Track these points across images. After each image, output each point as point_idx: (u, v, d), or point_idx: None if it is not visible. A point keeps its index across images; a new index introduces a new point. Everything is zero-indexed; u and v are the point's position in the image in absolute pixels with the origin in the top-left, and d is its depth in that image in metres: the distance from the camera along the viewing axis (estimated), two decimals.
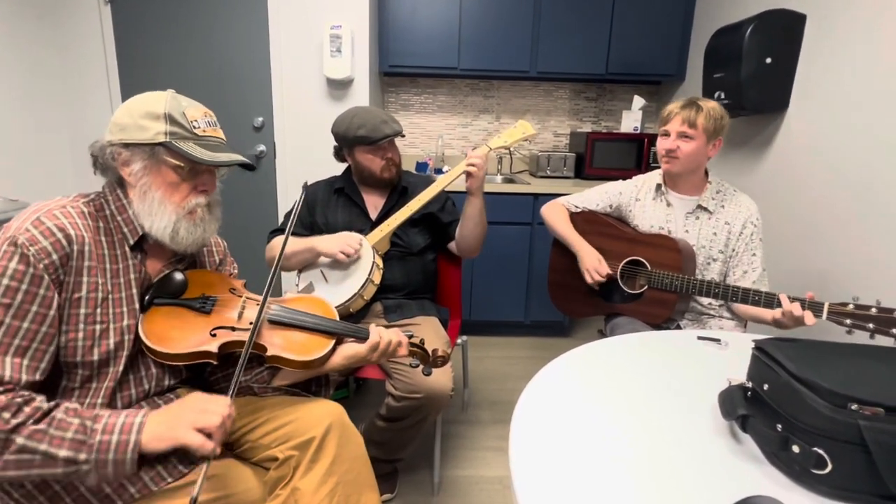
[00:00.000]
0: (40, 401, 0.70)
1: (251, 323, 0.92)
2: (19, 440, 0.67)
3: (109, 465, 0.70)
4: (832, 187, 1.75)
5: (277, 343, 0.93)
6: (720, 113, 1.42)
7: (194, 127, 0.85)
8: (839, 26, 1.74)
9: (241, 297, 0.97)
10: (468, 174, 1.48)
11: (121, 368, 0.82)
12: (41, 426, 0.68)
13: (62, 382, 0.79)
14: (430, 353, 1.09)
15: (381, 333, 1.02)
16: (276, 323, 0.95)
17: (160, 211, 0.85)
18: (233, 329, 0.90)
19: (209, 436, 0.74)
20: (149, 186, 0.84)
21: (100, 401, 0.80)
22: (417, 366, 1.09)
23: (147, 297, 0.87)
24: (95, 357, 0.79)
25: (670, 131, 1.45)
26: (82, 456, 0.69)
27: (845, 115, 1.70)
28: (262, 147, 2.59)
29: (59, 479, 0.74)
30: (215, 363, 0.88)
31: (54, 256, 0.74)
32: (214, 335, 0.88)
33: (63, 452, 0.68)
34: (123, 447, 0.70)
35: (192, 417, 0.74)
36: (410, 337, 1.07)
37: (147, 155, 0.83)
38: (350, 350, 1.00)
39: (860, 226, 1.62)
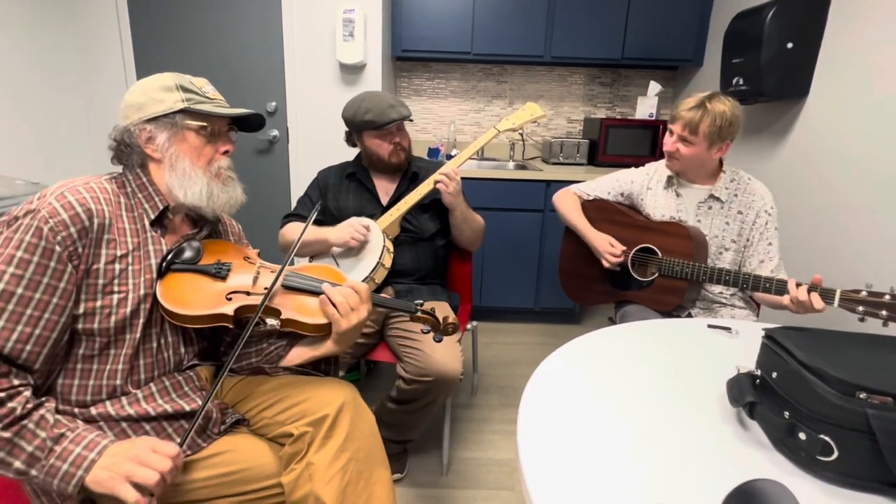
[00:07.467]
0: (20, 400, 0.71)
1: (266, 288, 0.94)
2: None
3: (54, 486, 0.71)
4: (850, 176, 1.71)
5: (291, 307, 0.95)
6: (729, 118, 1.34)
7: (204, 93, 0.92)
8: (864, 9, 1.69)
9: (255, 264, 1.00)
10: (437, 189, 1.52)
11: (137, 335, 0.85)
12: (7, 434, 0.69)
13: (79, 350, 0.81)
14: (440, 320, 1.09)
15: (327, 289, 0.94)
16: (290, 288, 0.97)
17: (192, 176, 0.90)
18: (248, 294, 0.93)
19: (149, 490, 0.71)
20: (176, 155, 0.90)
21: (120, 367, 0.84)
22: (429, 332, 1.09)
23: (164, 264, 0.90)
24: (112, 324, 0.82)
25: (674, 132, 1.43)
26: (33, 472, 0.70)
27: (866, 102, 1.66)
28: (275, 132, 2.61)
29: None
30: (231, 327, 0.91)
31: (72, 229, 0.77)
32: (230, 299, 0.91)
33: (17, 464, 0.70)
34: (69, 479, 0.71)
35: (129, 468, 0.71)
36: (421, 305, 1.07)
37: (170, 124, 0.89)
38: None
39: (877, 215, 1.60)
